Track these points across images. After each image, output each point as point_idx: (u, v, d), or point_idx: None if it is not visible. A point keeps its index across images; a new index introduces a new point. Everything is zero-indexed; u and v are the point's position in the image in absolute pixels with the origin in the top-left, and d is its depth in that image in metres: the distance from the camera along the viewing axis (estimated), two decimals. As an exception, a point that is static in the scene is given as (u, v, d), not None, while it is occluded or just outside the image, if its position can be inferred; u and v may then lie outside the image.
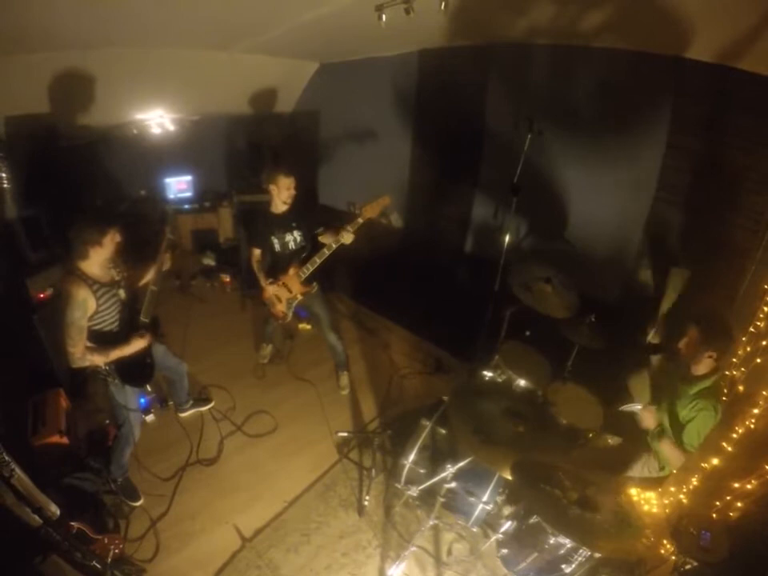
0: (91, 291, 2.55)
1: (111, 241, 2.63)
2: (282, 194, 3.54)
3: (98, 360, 2.66)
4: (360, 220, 3.41)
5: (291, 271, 3.65)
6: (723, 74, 3.19)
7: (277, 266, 3.73)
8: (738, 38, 2.84)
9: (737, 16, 2.61)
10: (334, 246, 3.47)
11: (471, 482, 2.74)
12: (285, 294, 3.72)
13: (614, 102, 3.83)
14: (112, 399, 2.87)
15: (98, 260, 2.61)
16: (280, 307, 3.79)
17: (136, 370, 2.87)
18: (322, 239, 3.58)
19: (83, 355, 2.58)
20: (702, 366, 2.57)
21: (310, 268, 3.61)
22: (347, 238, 3.44)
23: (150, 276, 3.01)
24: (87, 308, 2.55)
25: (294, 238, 3.67)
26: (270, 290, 3.72)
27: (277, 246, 3.67)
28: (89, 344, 2.62)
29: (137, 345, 2.77)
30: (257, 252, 3.72)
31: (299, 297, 3.74)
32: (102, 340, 2.69)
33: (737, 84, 3.18)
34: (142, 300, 2.89)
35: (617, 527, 2.01)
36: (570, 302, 3.40)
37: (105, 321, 2.69)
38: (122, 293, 2.78)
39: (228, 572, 2.75)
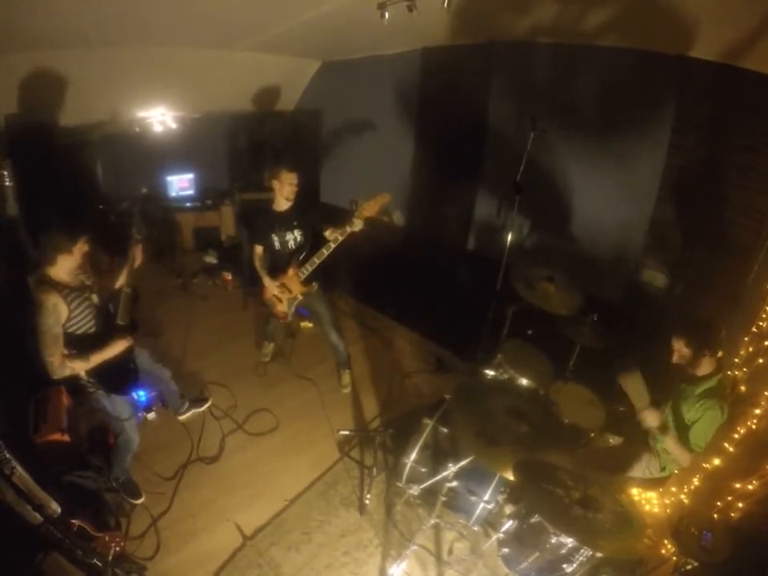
0: (61, 297, 2.52)
1: (80, 250, 2.60)
2: (284, 190, 3.52)
3: (79, 367, 2.60)
4: (359, 219, 3.38)
5: (290, 272, 3.64)
6: (727, 73, 3.18)
7: (276, 265, 3.72)
8: (742, 36, 2.83)
9: (741, 15, 2.60)
10: (333, 245, 3.44)
11: (473, 480, 2.73)
12: (285, 294, 3.72)
13: (617, 101, 3.82)
14: (105, 410, 2.85)
15: (65, 267, 2.58)
16: (281, 308, 3.79)
17: (120, 378, 2.81)
18: (328, 235, 3.54)
19: (62, 363, 2.52)
20: (704, 367, 2.55)
21: (309, 268, 3.59)
22: (343, 234, 3.39)
23: (123, 278, 2.95)
24: (59, 314, 2.51)
25: (294, 237, 3.65)
26: (271, 290, 3.73)
27: (277, 245, 3.66)
28: (66, 351, 2.57)
29: (117, 347, 2.71)
30: (259, 249, 3.71)
31: (299, 297, 3.74)
32: (80, 346, 2.64)
33: (740, 83, 3.17)
34: (117, 305, 2.84)
35: (619, 527, 2.00)
36: (573, 301, 3.39)
37: (79, 325, 2.65)
38: (94, 297, 2.75)
39: (229, 570, 2.75)
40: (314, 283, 3.74)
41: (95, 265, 2.86)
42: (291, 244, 3.66)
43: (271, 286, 3.72)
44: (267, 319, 4.32)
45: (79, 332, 2.66)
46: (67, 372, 2.58)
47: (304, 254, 3.64)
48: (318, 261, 3.55)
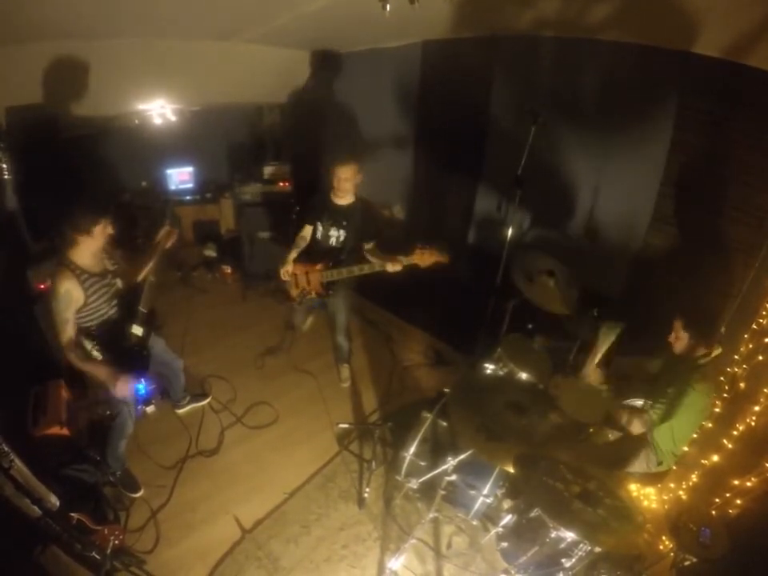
0: (78, 282, 2.50)
1: (101, 232, 2.56)
2: (339, 185, 3.47)
3: (74, 362, 2.60)
4: (410, 259, 3.34)
5: (318, 266, 3.58)
6: (730, 69, 3.16)
7: (310, 256, 3.66)
8: (746, 33, 2.82)
9: (746, 10, 2.58)
10: (373, 269, 3.40)
11: (472, 474, 2.74)
12: (303, 282, 3.66)
13: (620, 96, 3.80)
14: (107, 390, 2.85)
15: (87, 250, 2.55)
16: (294, 292, 3.73)
17: (130, 362, 2.80)
18: (368, 256, 3.49)
19: (70, 348, 2.55)
20: (696, 351, 2.64)
21: (334, 275, 3.54)
22: (391, 267, 3.36)
23: (148, 268, 2.96)
24: (70, 299, 2.49)
25: (337, 236, 3.59)
26: (293, 269, 3.63)
27: (318, 234, 3.62)
28: (75, 338, 2.58)
29: (107, 375, 2.59)
30: (308, 229, 3.66)
31: (312, 294, 3.70)
32: (98, 331, 2.65)
33: (744, 80, 3.15)
34: (140, 291, 2.86)
35: (618, 522, 2.01)
36: (571, 296, 3.39)
37: (99, 312, 2.66)
38: (118, 282, 2.75)
39: (228, 563, 2.75)
40: (331, 291, 3.67)
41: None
42: (332, 241, 3.61)
43: (295, 267, 3.62)
44: (289, 309, 4.24)
45: (96, 317, 2.66)
46: (73, 357, 2.58)
47: (339, 258, 3.58)
48: (347, 275, 3.50)
